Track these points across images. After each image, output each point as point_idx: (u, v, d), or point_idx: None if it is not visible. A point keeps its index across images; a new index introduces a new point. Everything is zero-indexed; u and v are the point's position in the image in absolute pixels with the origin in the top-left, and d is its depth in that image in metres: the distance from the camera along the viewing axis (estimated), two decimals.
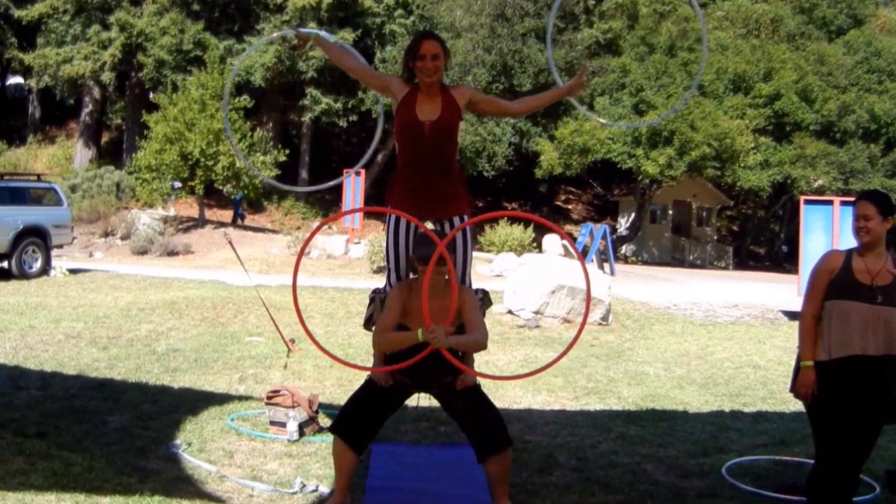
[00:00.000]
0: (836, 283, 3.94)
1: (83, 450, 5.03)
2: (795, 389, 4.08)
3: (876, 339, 3.84)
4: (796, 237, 17.97)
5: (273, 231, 26.51)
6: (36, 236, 15.41)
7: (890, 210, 3.93)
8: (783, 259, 34.05)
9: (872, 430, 3.89)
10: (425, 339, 3.71)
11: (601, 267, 20.34)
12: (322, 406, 5.98)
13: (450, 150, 4.05)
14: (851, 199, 16.72)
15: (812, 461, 4.29)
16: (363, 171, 23.36)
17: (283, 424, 5.59)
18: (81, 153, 32.80)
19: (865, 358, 3.84)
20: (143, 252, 21.15)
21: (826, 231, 14.19)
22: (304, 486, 4.58)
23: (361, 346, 8.98)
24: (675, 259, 33.47)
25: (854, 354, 3.85)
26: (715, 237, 36.42)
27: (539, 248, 21.29)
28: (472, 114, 4.23)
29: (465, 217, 4.23)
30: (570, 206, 39.64)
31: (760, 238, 38.63)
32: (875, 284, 3.87)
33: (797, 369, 4.09)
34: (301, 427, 5.60)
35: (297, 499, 4.48)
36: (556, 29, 29.07)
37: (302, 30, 4.28)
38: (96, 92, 32.70)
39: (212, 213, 27.41)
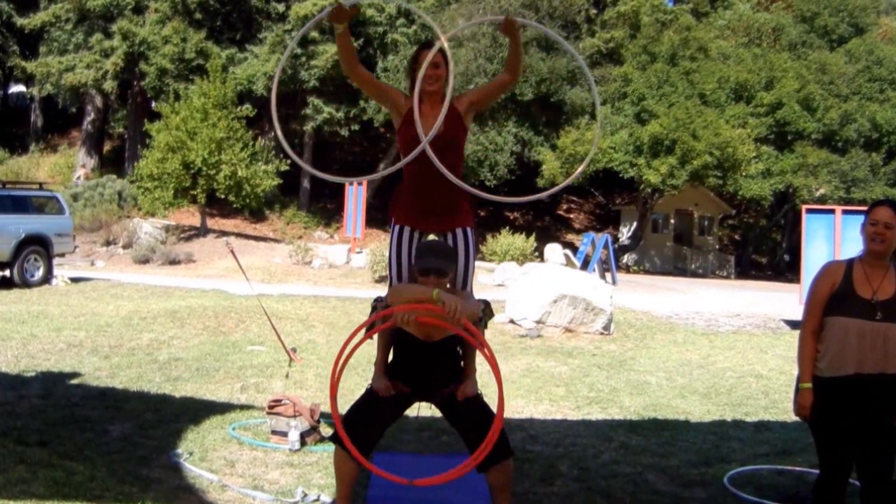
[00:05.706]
0: (835, 297, 3.83)
1: (85, 459, 5.03)
2: (795, 410, 4.01)
3: (874, 357, 3.72)
4: (798, 246, 17.94)
5: (275, 240, 26.52)
6: (38, 245, 15.42)
7: None
8: (785, 268, 34.00)
9: (859, 445, 3.81)
10: (438, 298, 3.67)
11: (603, 276, 20.32)
12: (324, 415, 5.97)
13: (453, 164, 4.03)
14: (853, 207, 16.47)
15: (814, 470, 4.28)
16: (365, 181, 23.38)
17: (284, 434, 5.59)
18: (83, 162, 32.85)
19: (860, 377, 3.74)
20: (144, 261, 21.16)
21: (828, 240, 14.17)
22: (306, 495, 4.58)
23: (363, 356, 8.95)
24: (677, 268, 33.46)
25: (848, 374, 3.76)
26: (717, 246, 36.39)
27: (541, 257, 21.32)
28: (480, 113, 4.14)
29: (469, 229, 4.23)
30: (571, 216, 39.67)
31: (762, 247, 38.59)
32: (875, 299, 3.75)
33: (798, 388, 3.99)
34: (302, 436, 5.60)
35: None
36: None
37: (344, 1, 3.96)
38: (98, 100, 32.79)
39: (214, 223, 27.44)
